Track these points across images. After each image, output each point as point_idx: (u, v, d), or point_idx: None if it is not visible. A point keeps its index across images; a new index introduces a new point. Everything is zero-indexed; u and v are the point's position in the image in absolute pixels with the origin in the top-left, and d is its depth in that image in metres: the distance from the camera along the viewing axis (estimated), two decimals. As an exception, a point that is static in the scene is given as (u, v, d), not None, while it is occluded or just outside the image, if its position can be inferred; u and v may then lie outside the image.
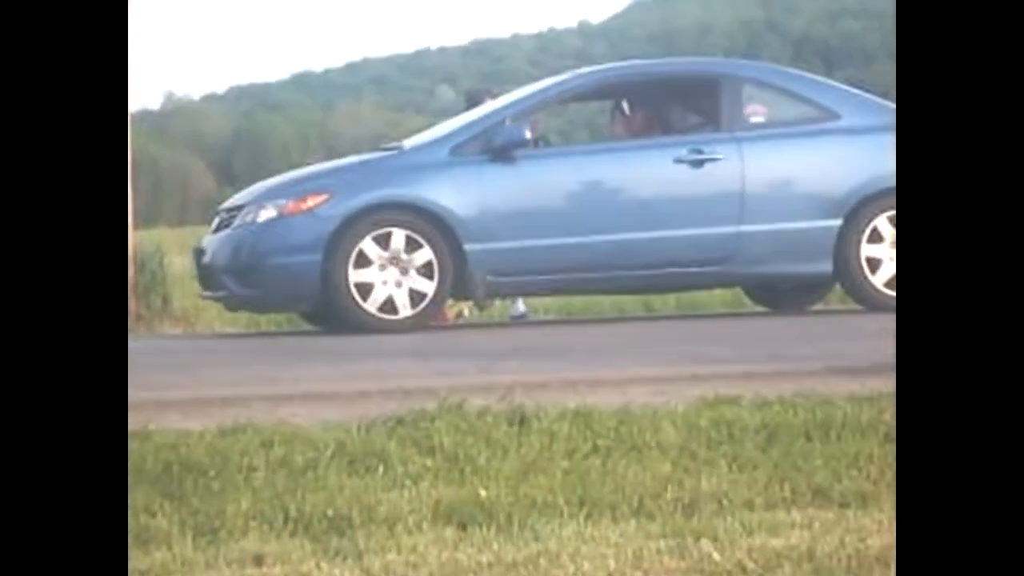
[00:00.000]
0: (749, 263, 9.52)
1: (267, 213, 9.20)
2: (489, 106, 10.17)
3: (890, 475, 4.23)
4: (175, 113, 79.73)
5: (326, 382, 6.01)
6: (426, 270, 9.07)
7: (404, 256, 9.06)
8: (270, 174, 10.39)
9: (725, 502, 4.13)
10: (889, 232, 9.29)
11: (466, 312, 11.36)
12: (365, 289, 9.01)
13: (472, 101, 11.26)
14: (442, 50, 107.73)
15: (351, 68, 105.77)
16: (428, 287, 9.07)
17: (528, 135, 9.38)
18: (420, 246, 9.07)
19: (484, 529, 3.95)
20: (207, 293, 9.76)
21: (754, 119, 9.74)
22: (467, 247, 9.15)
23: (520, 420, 4.95)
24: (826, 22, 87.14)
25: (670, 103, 10.33)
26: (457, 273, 9.14)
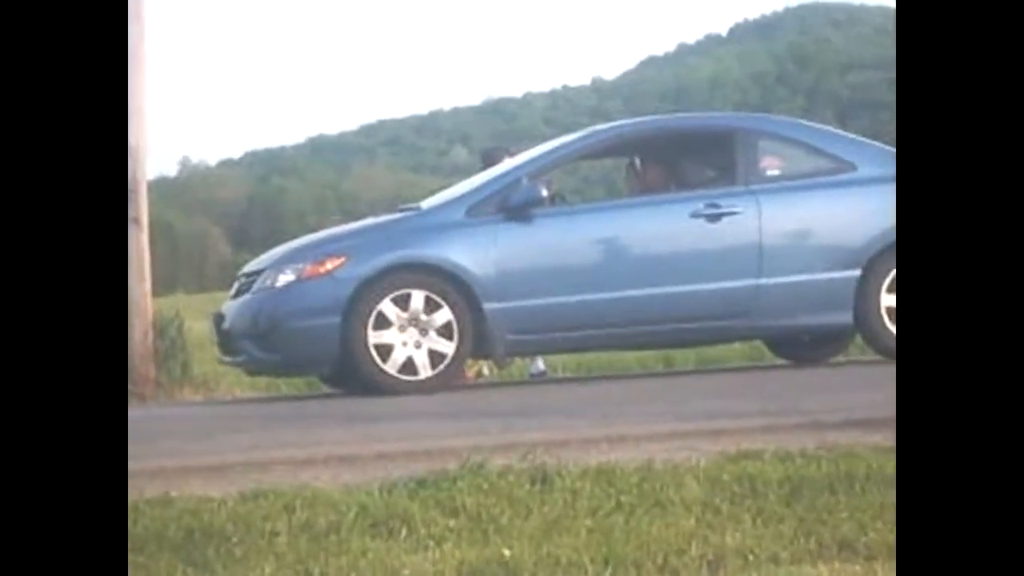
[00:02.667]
0: (769, 316, 9.50)
1: (286, 277, 9.21)
2: (505, 165, 10.19)
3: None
4: (191, 179, 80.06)
5: (347, 445, 5.99)
6: (445, 330, 9.07)
7: (423, 317, 9.05)
8: (287, 238, 10.41)
9: (751, 557, 4.10)
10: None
11: (486, 371, 11.34)
12: (385, 351, 9.01)
13: (489, 160, 11.29)
14: (455, 110, 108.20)
15: (366, 130, 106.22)
16: (448, 347, 9.06)
17: (544, 193, 9.39)
18: (439, 306, 9.07)
19: (509, 589, 3.92)
20: (227, 358, 9.76)
21: (770, 172, 9.74)
22: (486, 306, 9.15)
23: (542, 479, 4.93)
24: (836, 74, 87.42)
25: (686, 158, 10.34)
26: (476, 333, 9.13)
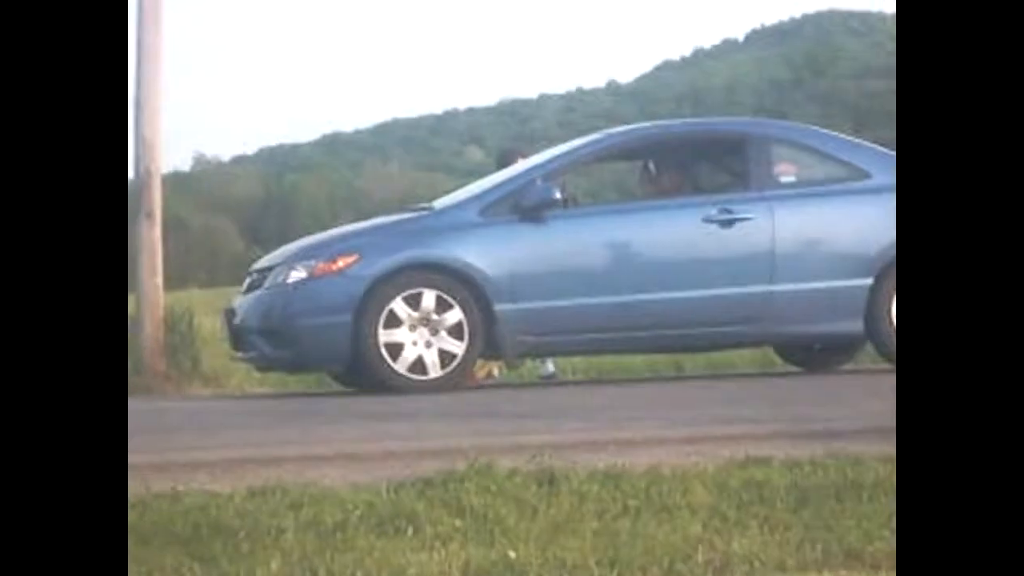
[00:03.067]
0: (779, 322, 9.50)
1: (297, 274, 9.23)
2: (519, 166, 10.19)
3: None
4: (205, 175, 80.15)
5: (355, 443, 5.99)
6: (456, 330, 9.07)
7: (434, 316, 9.06)
8: (300, 235, 10.43)
9: (757, 563, 4.10)
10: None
11: (496, 372, 11.35)
12: (395, 349, 9.02)
13: (503, 160, 11.29)
14: (470, 110, 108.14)
15: (380, 129, 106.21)
16: (458, 347, 9.07)
17: (558, 195, 9.39)
18: (450, 306, 9.08)
19: (514, 591, 3.92)
20: (238, 354, 9.78)
21: (784, 178, 9.73)
22: (497, 307, 9.15)
23: (549, 481, 4.92)
24: (852, 82, 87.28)
25: (699, 162, 10.34)
26: (487, 333, 9.14)
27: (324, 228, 10.43)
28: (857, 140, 10.50)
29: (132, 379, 10.49)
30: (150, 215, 10.85)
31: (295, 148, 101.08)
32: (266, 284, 9.40)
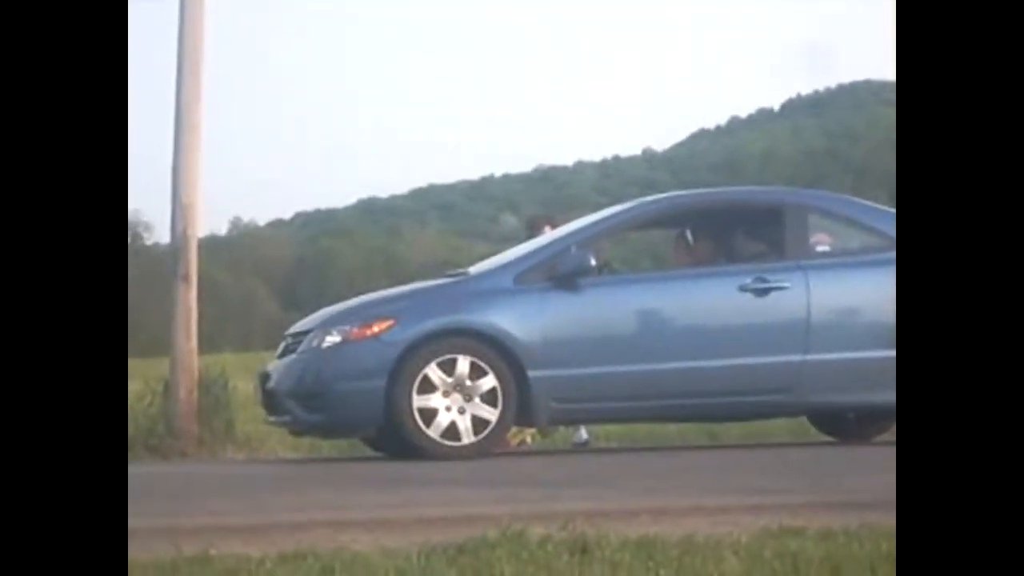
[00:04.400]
0: (814, 392, 9.46)
1: (332, 339, 9.24)
2: (554, 233, 10.20)
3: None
4: (241, 239, 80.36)
5: (387, 509, 5.98)
6: (490, 397, 9.07)
7: (468, 382, 9.06)
8: (335, 300, 10.44)
9: (790, 635, 4.07)
10: (956, 362, 9.20)
11: (529, 440, 11.31)
12: (429, 415, 9.02)
13: (532, 227, 11.32)
14: (506, 177, 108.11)
15: (416, 194, 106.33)
16: (491, 414, 9.06)
17: (593, 262, 9.40)
18: (484, 373, 9.08)
19: (545, 660, 3.89)
20: (272, 418, 9.78)
21: (819, 248, 9.72)
22: (531, 374, 9.14)
23: (582, 549, 4.90)
24: (887, 151, 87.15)
25: (735, 231, 10.33)
26: (521, 400, 9.13)
27: (359, 293, 10.45)
28: (891, 209, 10.48)
29: (166, 442, 10.51)
30: (186, 279, 10.89)
31: (331, 213, 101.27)
32: (301, 348, 9.41)
